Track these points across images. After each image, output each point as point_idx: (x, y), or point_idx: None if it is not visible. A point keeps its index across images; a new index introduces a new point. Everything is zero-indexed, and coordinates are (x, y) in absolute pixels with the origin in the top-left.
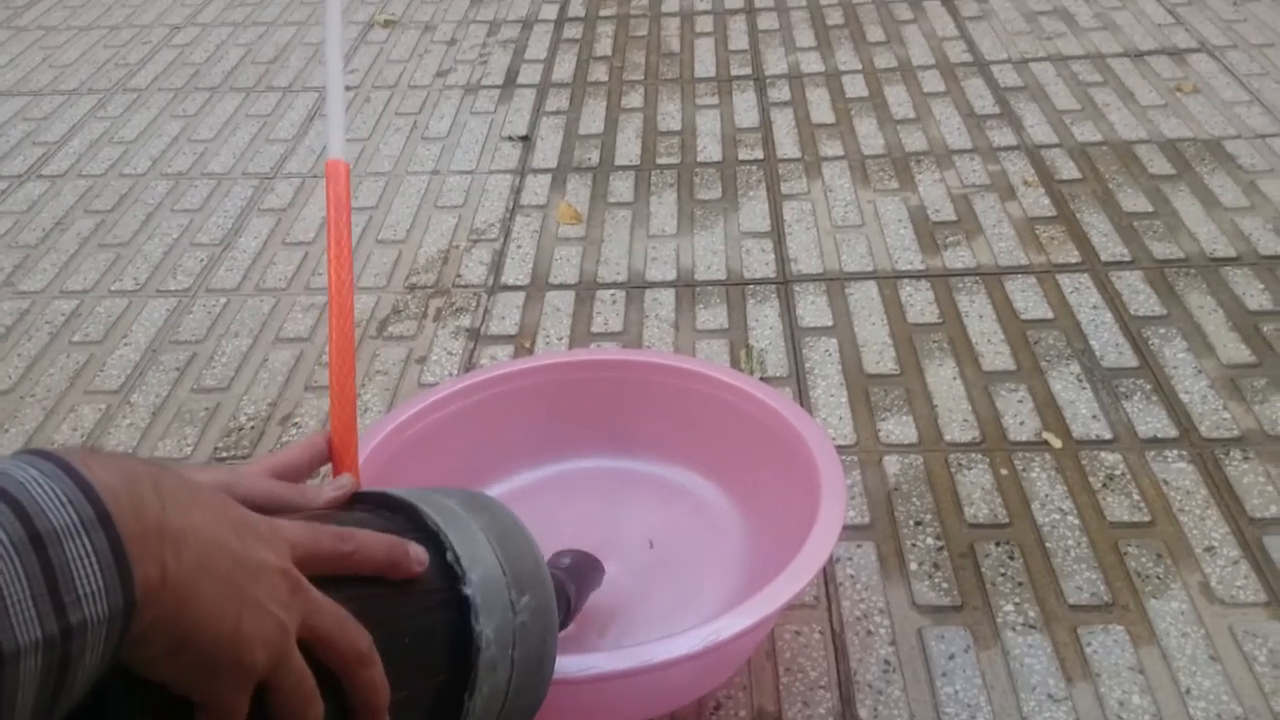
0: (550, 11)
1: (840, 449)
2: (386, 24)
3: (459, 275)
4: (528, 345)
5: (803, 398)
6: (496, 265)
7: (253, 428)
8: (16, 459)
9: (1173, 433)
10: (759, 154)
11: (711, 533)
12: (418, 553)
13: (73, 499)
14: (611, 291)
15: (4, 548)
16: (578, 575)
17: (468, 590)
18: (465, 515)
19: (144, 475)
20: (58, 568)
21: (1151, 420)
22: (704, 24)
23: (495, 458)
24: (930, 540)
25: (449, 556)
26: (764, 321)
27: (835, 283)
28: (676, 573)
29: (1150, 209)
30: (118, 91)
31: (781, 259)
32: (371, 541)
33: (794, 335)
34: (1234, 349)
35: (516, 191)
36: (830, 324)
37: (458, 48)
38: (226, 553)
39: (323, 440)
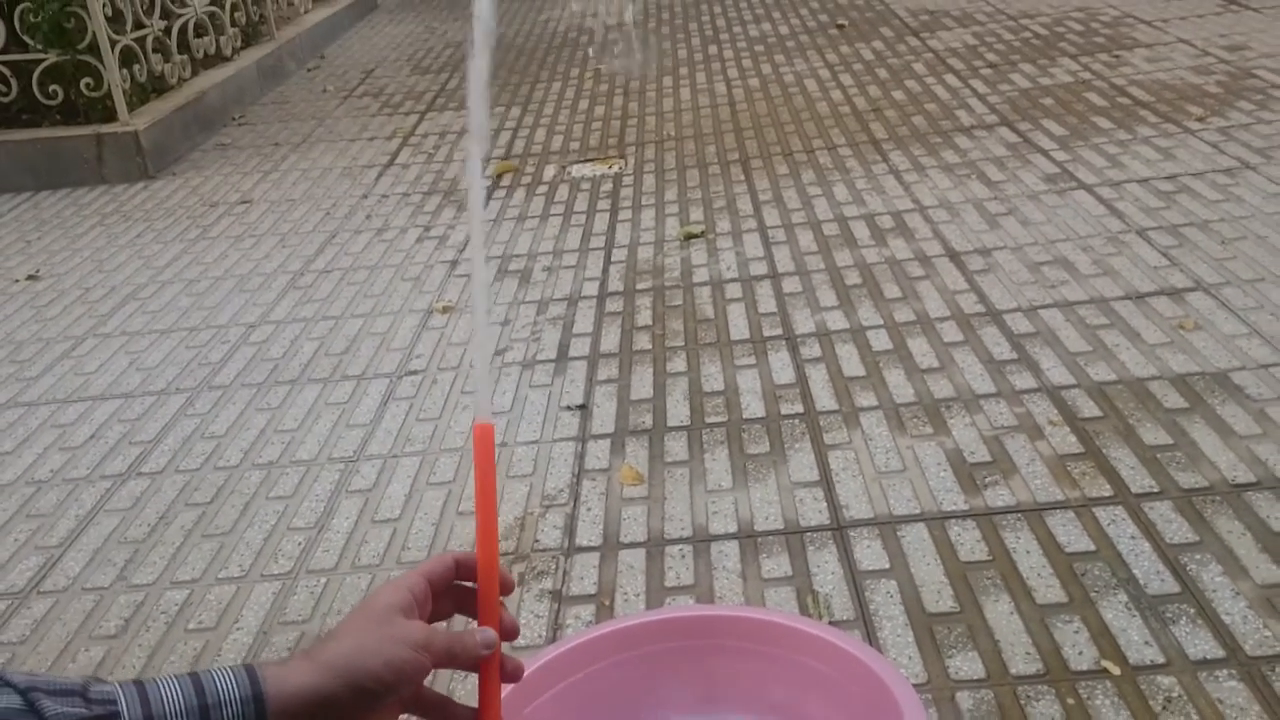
0: (591, 288)
1: (914, 688)
2: (444, 310)
3: (536, 540)
4: (607, 604)
5: (871, 638)
6: (570, 529)
7: None
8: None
9: (1220, 653)
10: (799, 408)
11: None
12: None
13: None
14: (679, 547)
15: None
16: None
17: None
18: None
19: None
20: None
21: (1199, 643)
22: (733, 290)
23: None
24: None
25: None
26: (825, 567)
27: (887, 526)
28: None
29: (1170, 441)
30: (204, 389)
31: (834, 506)
32: None
33: (855, 579)
34: (1266, 569)
35: (580, 457)
36: (888, 566)
37: (511, 327)
38: None
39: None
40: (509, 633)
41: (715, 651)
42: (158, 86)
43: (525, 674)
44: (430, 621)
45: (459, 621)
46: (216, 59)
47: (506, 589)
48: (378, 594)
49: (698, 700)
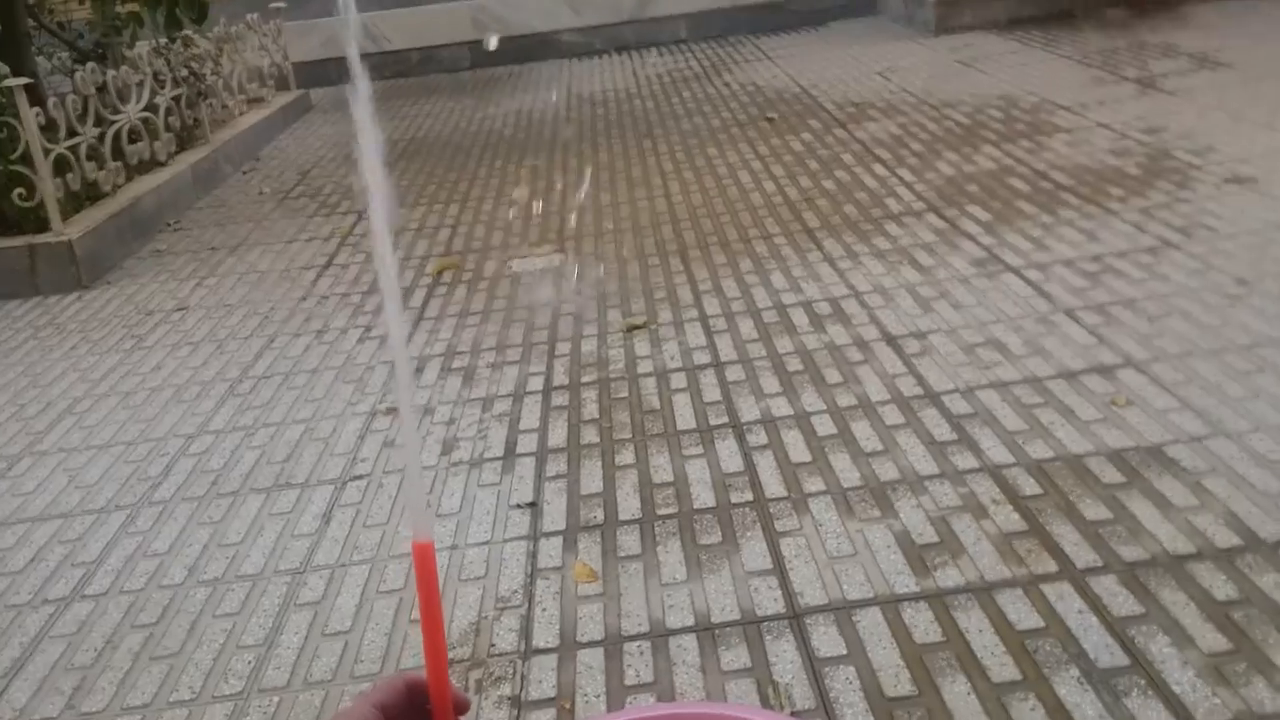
0: (536, 383)
1: None
2: (389, 412)
3: (493, 645)
4: (568, 707)
5: None
6: (526, 631)
7: None
8: None
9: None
10: (749, 496)
11: None
12: None
13: None
14: (637, 643)
15: None
16: None
17: None
18: None
19: None
20: None
21: (1151, 714)
22: (678, 380)
23: None
24: None
25: None
26: (784, 656)
27: (842, 611)
28: None
29: (1110, 515)
30: (144, 505)
31: (788, 594)
32: None
33: (814, 667)
34: (1211, 638)
35: (532, 556)
36: (845, 652)
37: (457, 426)
38: None
39: None
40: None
41: None
42: (91, 194)
43: None
44: None
45: None
46: (151, 165)
47: (462, 709)
48: None
49: None
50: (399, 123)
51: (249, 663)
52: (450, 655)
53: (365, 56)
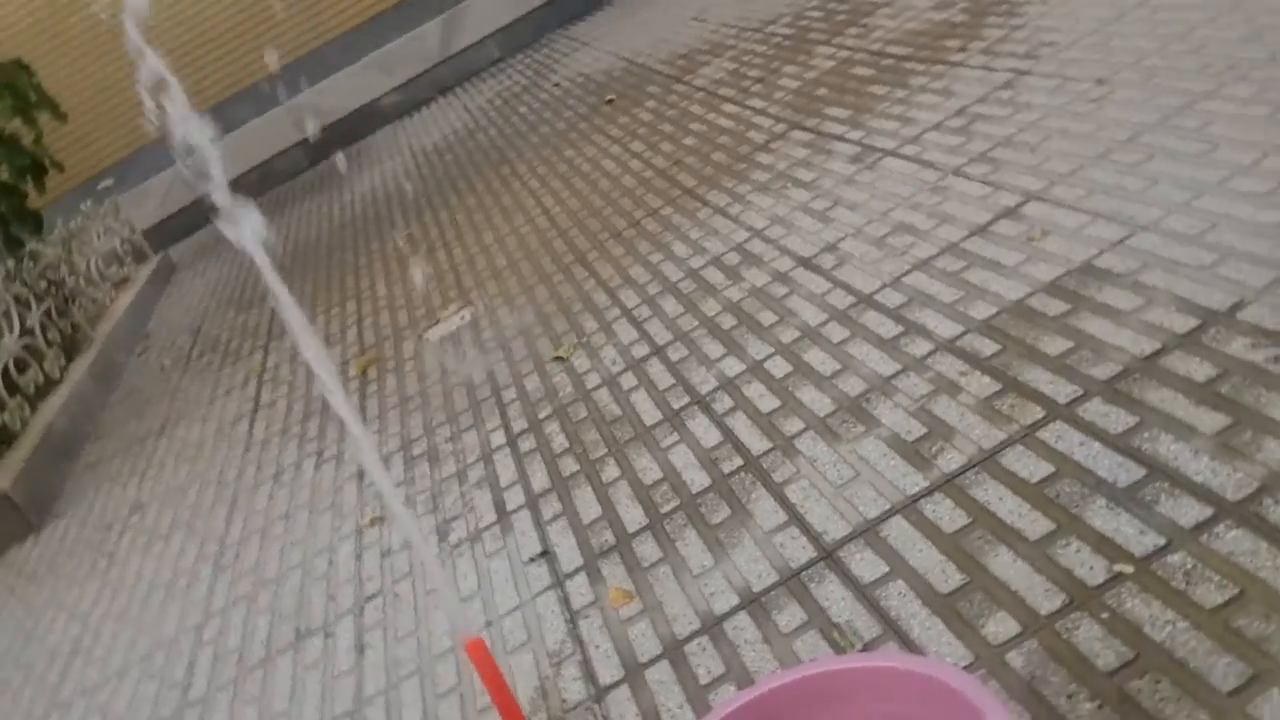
0: (499, 438)
1: (970, 668)
2: (373, 523)
3: (563, 701)
4: None
5: (908, 643)
6: (588, 674)
7: None
8: None
9: (1209, 511)
10: (738, 460)
11: None
12: None
13: None
14: (696, 641)
15: None
16: None
17: None
18: None
19: None
20: None
21: (1186, 510)
22: (627, 380)
23: None
24: (1088, 705)
25: None
26: (833, 596)
27: (868, 533)
28: None
29: (1071, 344)
30: (184, 711)
31: (812, 537)
32: None
33: (864, 595)
34: (1209, 419)
35: (565, 601)
36: (887, 569)
37: (442, 509)
38: None
39: None
40: None
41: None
42: (4, 438)
43: None
44: None
45: None
46: (48, 386)
47: None
48: None
49: None
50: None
51: None
52: None
53: (200, 198)
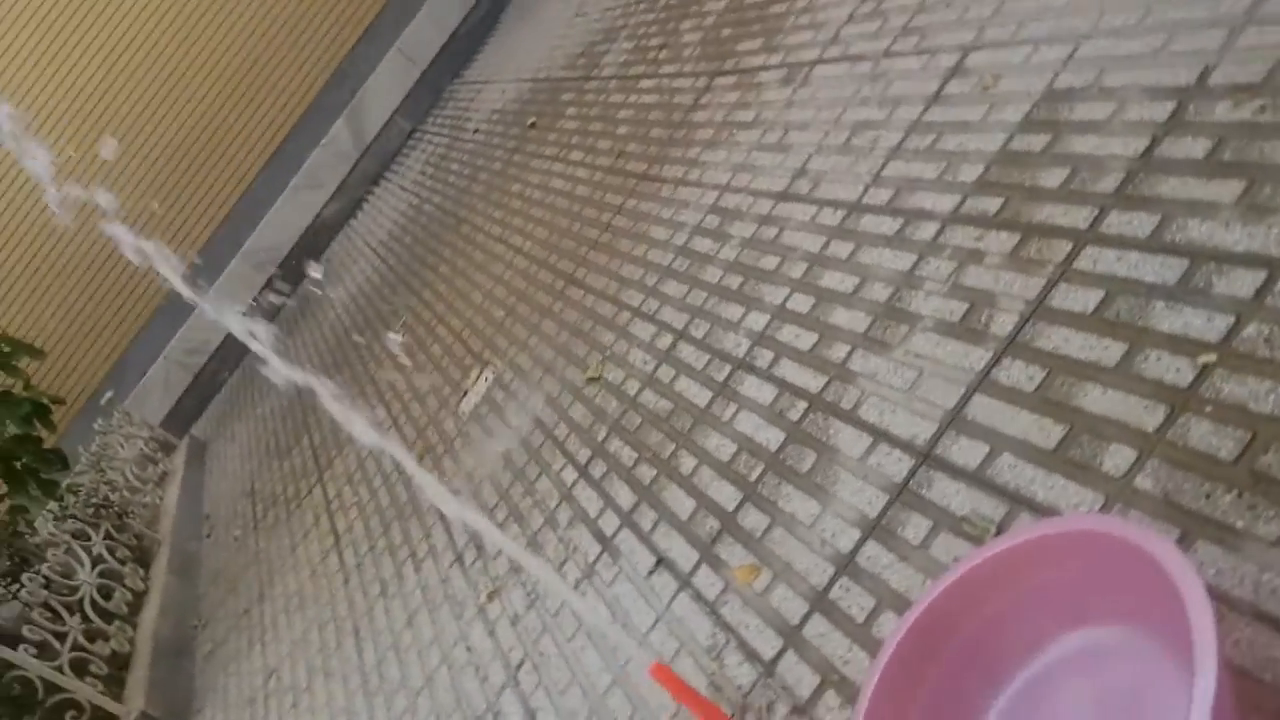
0: (570, 475)
1: (1106, 508)
2: (490, 597)
3: (739, 687)
4: (835, 678)
5: (1036, 509)
6: (750, 654)
7: None
8: None
9: (1263, 274)
10: (801, 404)
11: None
12: None
13: None
14: (839, 586)
15: None
16: None
17: None
18: None
19: None
20: None
21: (1238, 284)
22: (665, 373)
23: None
24: (1228, 497)
25: None
26: (948, 493)
27: (954, 421)
28: None
29: (1068, 169)
30: None
31: (903, 446)
32: None
33: (976, 479)
34: (1223, 189)
35: (698, 597)
36: (987, 448)
37: (548, 558)
38: None
39: None
40: None
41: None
42: (120, 663)
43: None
44: None
45: None
46: (138, 600)
47: None
48: None
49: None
50: (272, 395)
51: None
52: None
53: (200, 370)
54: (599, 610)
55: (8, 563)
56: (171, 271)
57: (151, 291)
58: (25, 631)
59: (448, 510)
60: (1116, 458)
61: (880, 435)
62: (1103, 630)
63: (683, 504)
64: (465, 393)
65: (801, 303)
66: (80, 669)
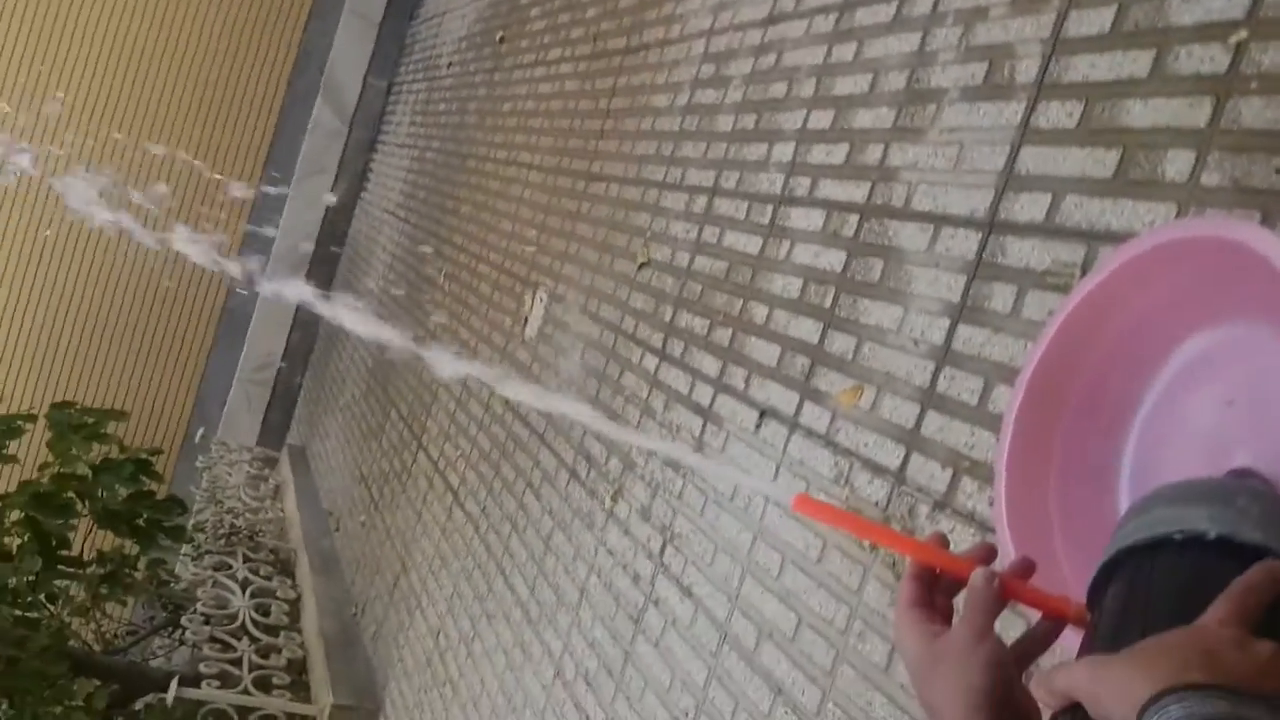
0: (650, 360)
1: (1180, 215)
2: (614, 498)
3: (875, 504)
4: (966, 465)
5: (1114, 239)
6: (877, 469)
7: None
8: None
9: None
10: (854, 217)
11: None
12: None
13: None
14: (946, 377)
15: None
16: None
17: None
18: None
19: None
20: None
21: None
22: (709, 234)
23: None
24: None
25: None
26: (1023, 252)
27: (1010, 181)
28: None
29: None
30: None
31: (964, 222)
32: None
33: (1048, 229)
34: None
35: (810, 433)
36: (1050, 195)
37: (666, 435)
38: None
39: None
40: (987, 557)
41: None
42: (300, 668)
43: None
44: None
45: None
46: (294, 607)
47: (986, 559)
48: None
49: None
50: (349, 382)
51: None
52: (865, 543)
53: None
54: (721, 476)
55: (164, 614)
56: (237, 267)
57: (204, 325)
58: (202, 668)
59: (556, 406)
60: (1177, 163)
61: (940, 220)
62: (1211, 334)
63: (767, 352)
64: (525, 319)
65: (822, 119)
66: (264, 685)
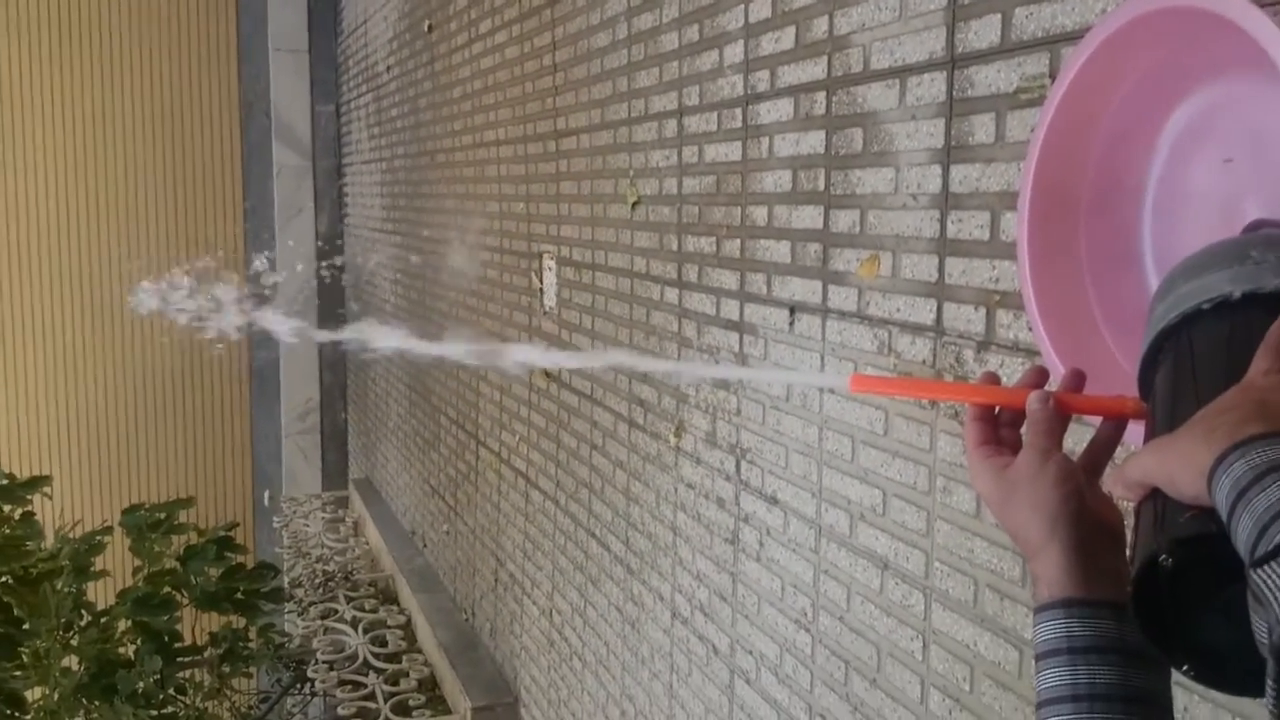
0: (672, 293)
1: None
2: (678, 434)
3: (922, 362)
4: (998, 300)
5: (1079, 37)
6: (914, 329)
7: None
8: None
9: None
10: (821, 94)
11: None
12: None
13: None
14: (951, 219)
15: None
16: None
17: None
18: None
19: None
20: None
21: None
22: (688, 155)
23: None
24: None
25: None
26: (990, 78)
27: (958, 11)
28: None
29: None
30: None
31: (939, 65)
32: None
33: (1011, 43)
34: None
35: (844, 315)
36: (999, 17)
37: (709, 359)
38: None
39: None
40: (1039, 381)
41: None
42: (431, 687)
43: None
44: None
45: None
46: (409, 629)
47: (1042, 381)
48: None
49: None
50: (393, 402)
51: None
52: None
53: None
54: (772, 381)
55: (289, 674)
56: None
57: (238, 391)
58: (340, 711)
59: (599, 363)
60: None
61: (902, 72)
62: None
63: (778, 251)
64: (540, 291)
65: (762, 8)
66: (403, 710)
